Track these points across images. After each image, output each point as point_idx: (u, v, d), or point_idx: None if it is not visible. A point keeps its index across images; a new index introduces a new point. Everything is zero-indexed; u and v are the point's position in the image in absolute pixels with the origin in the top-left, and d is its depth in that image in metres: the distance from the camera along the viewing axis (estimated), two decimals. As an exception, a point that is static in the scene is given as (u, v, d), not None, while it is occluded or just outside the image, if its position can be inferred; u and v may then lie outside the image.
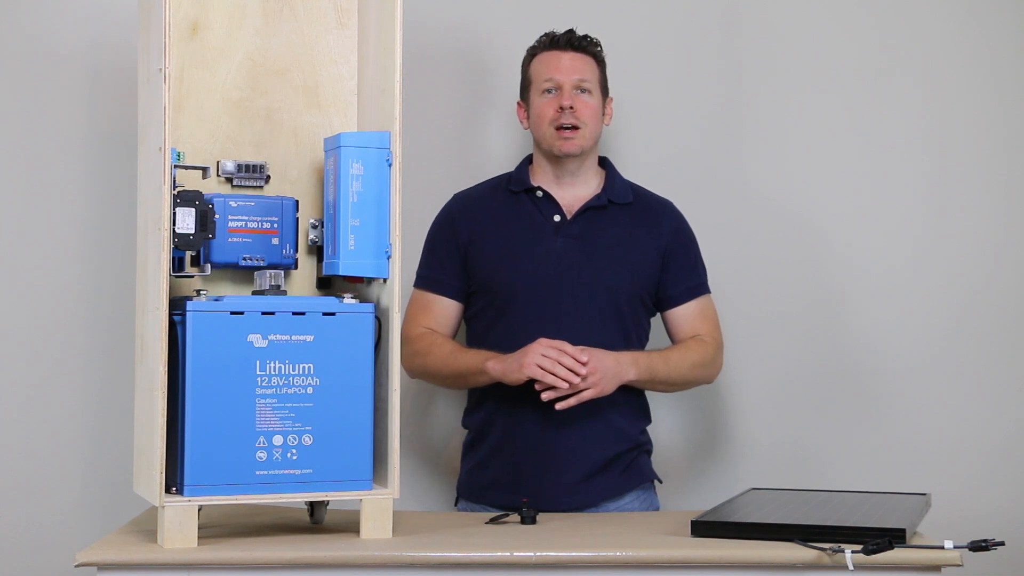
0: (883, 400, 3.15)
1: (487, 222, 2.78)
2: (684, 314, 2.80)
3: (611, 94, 2.82)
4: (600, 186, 2.81)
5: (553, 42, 2.78)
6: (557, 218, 2.76)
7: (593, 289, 2.71)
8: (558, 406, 2.55)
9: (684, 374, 2.75)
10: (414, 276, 2.80)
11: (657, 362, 2.69)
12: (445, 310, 2.78)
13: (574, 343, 2.56)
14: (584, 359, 2.54)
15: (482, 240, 2.76)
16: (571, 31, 2.78)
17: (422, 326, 2.76)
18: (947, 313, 3.16)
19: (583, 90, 2.74)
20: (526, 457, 2.69)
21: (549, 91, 2.74)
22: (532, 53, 2.81)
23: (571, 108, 2.71)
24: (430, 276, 2.79)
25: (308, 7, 2.48)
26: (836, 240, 3.17)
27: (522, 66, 2.83)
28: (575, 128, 2.72)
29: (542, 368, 2.53)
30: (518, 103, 2.85)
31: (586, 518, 2.56)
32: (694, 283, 2.81)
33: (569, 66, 2.75)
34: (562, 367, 2.53)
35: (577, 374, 2.52)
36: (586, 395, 2.55)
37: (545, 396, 2.55)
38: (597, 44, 2.80)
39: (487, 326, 2.73)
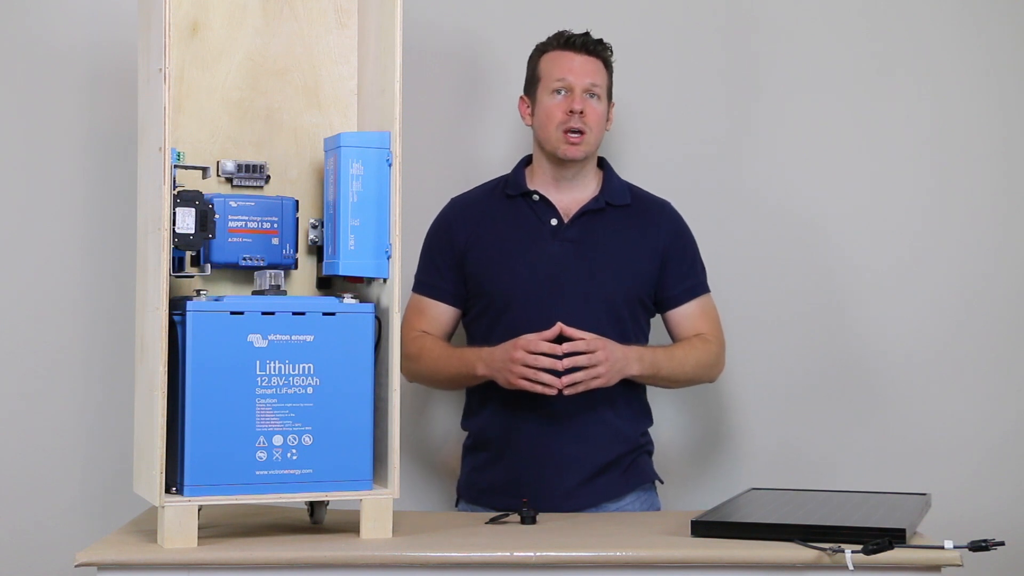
0: (883, 400, 3.15)
1: (484, 227, 2.77)
2: (685, 314, 2.79)
3: (612, 97, 2.81)
4: (598, 188, 2.79)
5: (568, 42, 2.74)
6: (554, 222, 2.75)
7: (590, 293, 2.70)
8: (566, 391, 2.53)
9: (687, 372, 2.74)
10: (413, 278, 2.80)
11: (662, 359, 2.68)
12: (440, 315, 2.78)
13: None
14: (593, 348, 2.53)
15: (479, 245, 2.76)
16: (587, 33, 2.74)
17: (416, 330, 2.75)
18: (947, 312, 3.16)
19: (593, 94, 2.71)
20: (526, 461, 2.69)
21: (559, 92, 2.72)
22: (542, 50, 2.77)
23: (581, 113, 2.69)
24: (426, 281, 2.79)
25: (308, 7, 2.47)
26: (836, 240, 3.17)
27: (529, 61, 2.80)
28: (581, 133, 2.70)
29: (528, 380, 2.53)
30: (521, 98, 2.82)
31: (586, 518, 2.56)
32: (693, 283, 2.80)
33: (581, 69, 2.72)
34: (544, 365, 2.51)
35: (578, 358, 2.52)
36: (593, 384, 2.54)
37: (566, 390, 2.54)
38: (609, 49, 2.77)
39: (485, 331, 2.73)
